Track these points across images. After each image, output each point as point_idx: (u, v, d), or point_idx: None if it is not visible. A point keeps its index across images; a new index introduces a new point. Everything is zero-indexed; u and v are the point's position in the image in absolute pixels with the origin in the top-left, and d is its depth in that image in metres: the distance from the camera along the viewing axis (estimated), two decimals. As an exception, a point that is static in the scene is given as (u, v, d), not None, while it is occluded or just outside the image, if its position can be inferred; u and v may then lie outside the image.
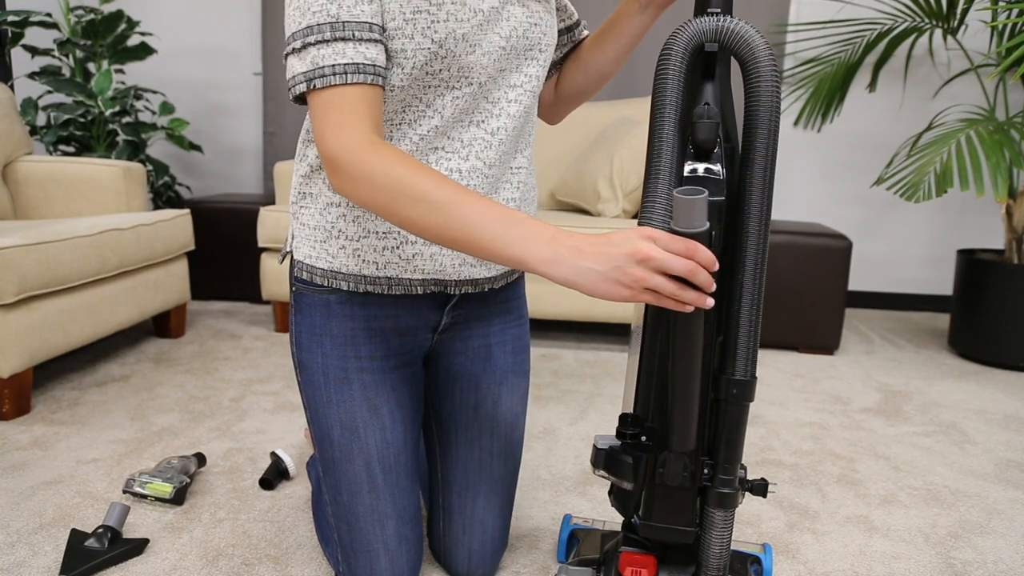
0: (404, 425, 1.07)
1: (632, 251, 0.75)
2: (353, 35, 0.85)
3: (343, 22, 0.85)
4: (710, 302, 0.77)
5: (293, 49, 0.87)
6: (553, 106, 1.21)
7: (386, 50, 0.91)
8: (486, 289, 1.11)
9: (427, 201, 0.80)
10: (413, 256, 1.00)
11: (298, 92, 0.87)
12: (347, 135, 0.84)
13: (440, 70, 0.93)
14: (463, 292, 1.07)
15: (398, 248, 1.00)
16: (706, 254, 0.75)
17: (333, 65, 0.85)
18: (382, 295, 1.04)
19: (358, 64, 0.85)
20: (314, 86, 0.85)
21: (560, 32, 1.15)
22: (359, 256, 1.01)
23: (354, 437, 1.04)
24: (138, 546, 1.21)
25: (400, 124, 0.97)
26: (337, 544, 1.09)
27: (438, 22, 0.90)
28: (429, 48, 0.90)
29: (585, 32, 1.17)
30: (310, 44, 0.85)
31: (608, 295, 0.77)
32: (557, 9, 1.13)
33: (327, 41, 0.85)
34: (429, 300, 1.07)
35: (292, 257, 1.08)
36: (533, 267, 0.79)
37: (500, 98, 1.00)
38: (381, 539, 1.05)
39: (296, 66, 0.87)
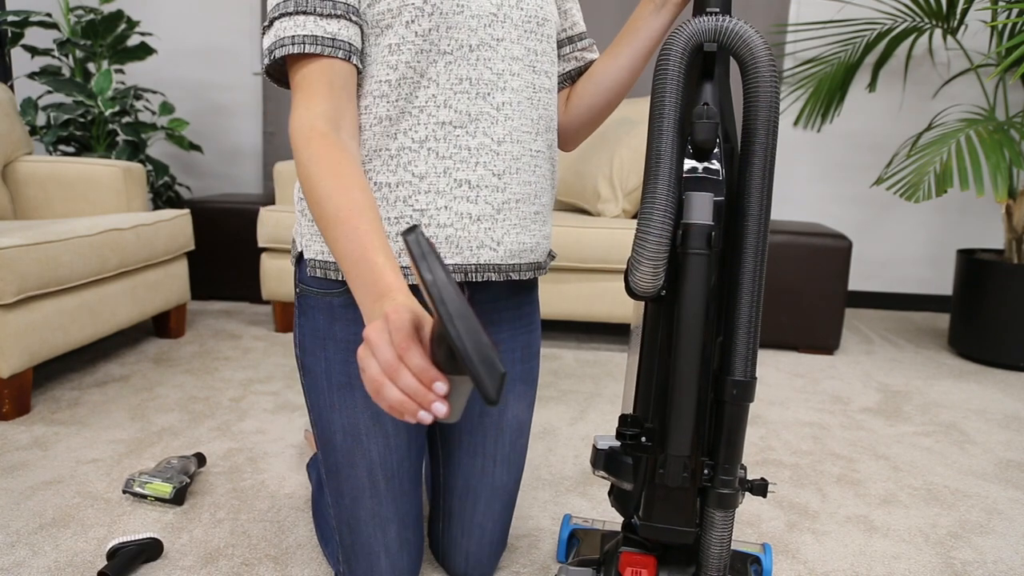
0: (408, 432, 1.06)
1: (369, 327, 0.65)
2: (315, 10, 0.89)
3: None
4: (424, 418, 0.62)
5: (263, 29, 0.93)
6: (565, 130, 1.17)
7: (361, 30, 0.94)
8: (512, 277, 1.04)
9: (319, 207, 0.81)
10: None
11: (265, 65, 0.93)
12: (299, 117, 0.88)
13: (429, 30, 0.93)
14: (485, 279, 1.02)
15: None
16: (416, 363, 0.62)
17: (292, 36, 0.88)
18: None
19: (317, 37, 0.88)
20: (274, 56, 0.89)
21: (561, 43, 1.14)
22: None
23: (357, 443, 1.03)
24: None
25: (399, 100, 0.95)
26: (338, 544, 1.09)
27: None
28: (413, 4, 0.92)
29: (595, 53, 1.15)
30: (275, 18, 0.90)
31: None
32: (564, 13, 1.13)
33: (289, 14, 0.89)
34: None
35: (302, 258, 1.06)
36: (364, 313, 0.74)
37: (504, 71, 0.98)
38: (382, 542, 1.05)
39: (264, 42, 0.93)
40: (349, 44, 0.91)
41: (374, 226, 0.77)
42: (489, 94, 0.97)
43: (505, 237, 1.01)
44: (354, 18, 0.92)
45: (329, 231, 0.79)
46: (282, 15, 0.89)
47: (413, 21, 0.92)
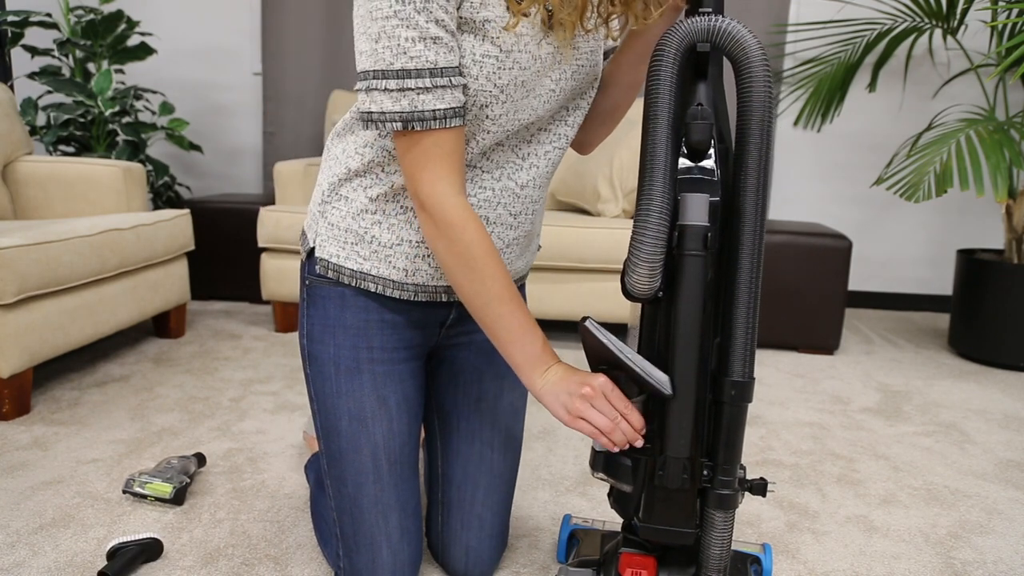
0: (409, 417, 1.09)
1: (581, 384, 0.91)
2: (451, 81, 0.88)
3: (441, 68, 0.87)
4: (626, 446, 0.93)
5: (386, 88, 0.88)
6: (582, 136, 1.18)
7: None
8: None
9: (482, 285, 0.93)
10: None
11: (390, 130, 0.90)
12: (444, 190, 0.91)
13: (500, 115, 0.95)
14: None
15: (428, 257, 1.03)
16: (636, 419, 0.91)
17: (434, 110, 0.88)
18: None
19: (455, 109, 0.89)
20: (412, 128, 0.89)
21: None
22: (390, 262, 1.03)
23: (362, 428, 1.05)
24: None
25: None
26: (339, 539, 1.10)
27: (504, 69, 0.91)
28: (491, 92, 0.92)
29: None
30: (409, 89, 0.87)
31: (555, 414, 0.94)
32: None
33: (427, 89, 0.87)
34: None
35: (313, 254, 1.08)
36: (523, 378, 0.96)
37: (537, 128, 1.02)
38: (384, 531, 1.06)
39: (387, 104, 0.88)
40: (466, 106, 0.92)
41: (524, 304, 0.96)
42: (517, 147, 1.02)
43: (507, 267, 1.08)
44: (464, 77, 0.91)
45: (493, 305, 0.94)
46: (419, 89, 0.87)
47: (487, 105, 0.93)
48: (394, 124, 0.89)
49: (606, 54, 1.13)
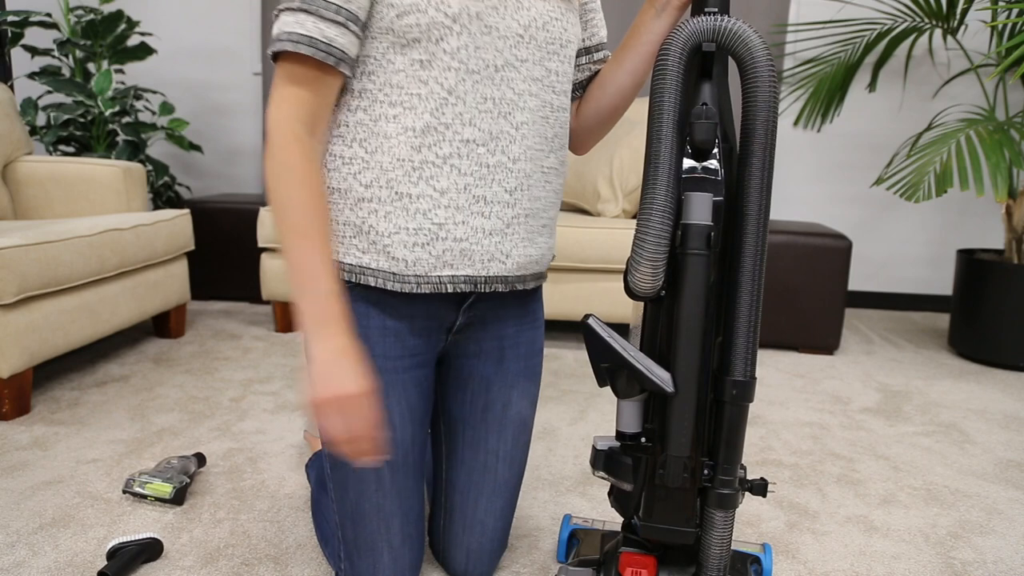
0: (412, 426, 1.07)
1: (339, 384, 0.88)
2: (318, 12, 0.90)
3: None
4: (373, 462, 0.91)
5: (274, 16, 0.95)
6: (576, 134, 1.18)
7: (359, 40, 0.95)
8: (517, 288, 1.08)
9: (283, 212, 0.91)
10: (443, 252, 0.99)
11: (271, 52, 0.93)
12: (281, 114, 0.91)
13: (458, 48, 0.93)
14: (493, 289, 1.05)
15: (428, 245, 0.99)
16: (373, 445, 0.90)
17: (290, 33, 0.90)
18: (400, 294, 1.04)
19: (312, 38, 0.90)
20: (272, 49, 0.92)
21: (578, 53, 1.14)
22: (389, 253, 1.00)
23: None
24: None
25: (425, 113, 0.96)
26: (340, 541, 1.09)
27: None
28: (443, 23, 0.92)
29: (607, 54, 1.16)
30: (281, 10, 0.92)
31: (308, 395, 0.90)
32: (586, 23, 1.13)
33: (293, 9, 0.90)
34: (447, 299, 1.06)
35: None
36: (300, 324, 0.91)
37: (524, 91, 0.99)
38: (385, 537, 1.05)
39: (272, 30, 0.94)
40: (342, 52, 0.92)
41: (328, 248, 0.91)
42: (510, 113, 0.99)
43: (513, 250, 1.04)
44: (353, 27, 0.92)
45: (288, 236, 0.90)
46: (287, 9, 0.91)
47: (442, 39, 0.93)
48: (270, 48, 0.93)
49: (587, 51, 1.12)
